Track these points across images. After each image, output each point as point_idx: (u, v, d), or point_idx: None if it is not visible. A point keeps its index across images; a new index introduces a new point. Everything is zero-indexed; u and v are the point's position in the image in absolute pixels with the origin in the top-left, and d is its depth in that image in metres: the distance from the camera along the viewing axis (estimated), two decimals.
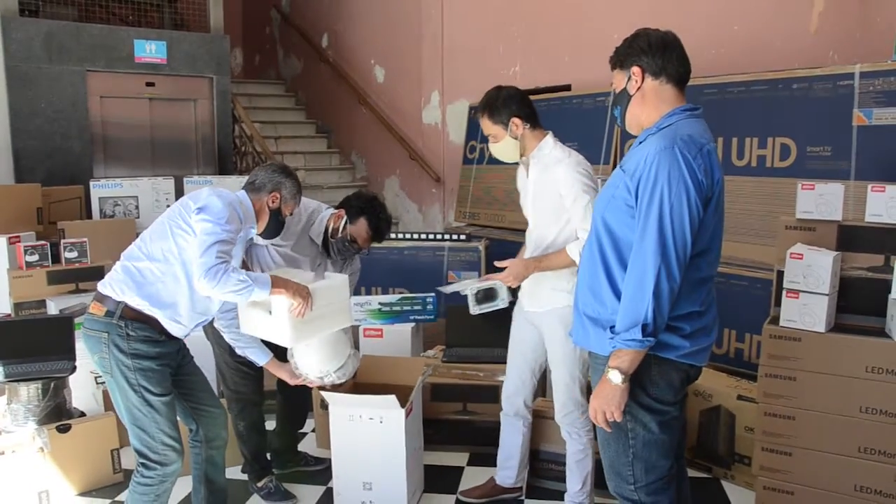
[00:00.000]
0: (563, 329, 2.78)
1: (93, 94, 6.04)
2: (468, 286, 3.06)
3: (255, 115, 7.84)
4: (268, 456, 3.37)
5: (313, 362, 2.82)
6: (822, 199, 2.84)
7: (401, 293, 4.77)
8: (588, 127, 4.99)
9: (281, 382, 3.41)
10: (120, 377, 2.45)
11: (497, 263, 2.88)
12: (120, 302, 2.45)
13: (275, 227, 2.76)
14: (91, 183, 5.42)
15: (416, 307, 4.40)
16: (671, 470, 2.08)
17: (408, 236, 5.14)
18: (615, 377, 1.91)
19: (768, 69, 3.88)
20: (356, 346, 4.32)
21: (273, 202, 2.69)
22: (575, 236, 2.75)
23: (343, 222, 3.10)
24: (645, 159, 1.88)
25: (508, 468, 3.22)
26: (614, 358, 1.92)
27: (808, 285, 2.72)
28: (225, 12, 6.88)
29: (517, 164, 2.96)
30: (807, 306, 2.72)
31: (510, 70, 6.12)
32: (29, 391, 3.47)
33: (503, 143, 2.88)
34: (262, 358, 2.89)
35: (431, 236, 5.09)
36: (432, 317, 4.42)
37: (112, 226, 5.24)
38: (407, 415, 2.97)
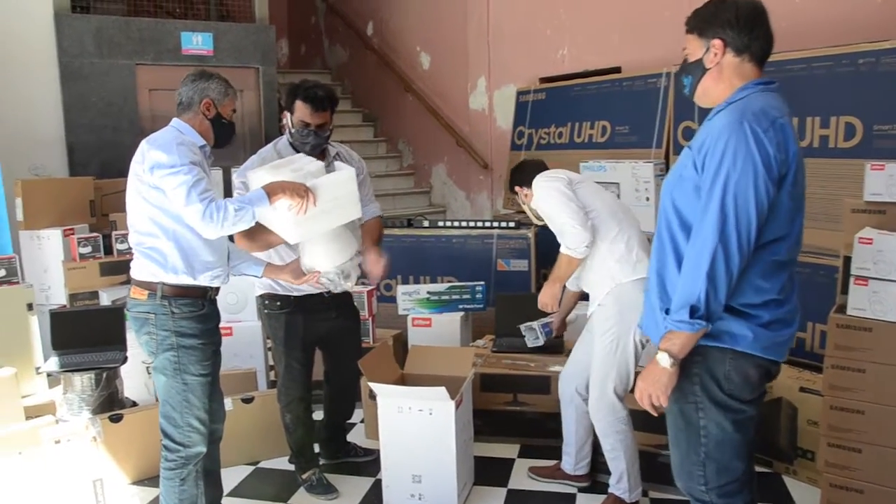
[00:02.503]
0: (602, 321, 2.89)
1: (142, 88, 6.10)
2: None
3: None
4: (315, 448, 3.35)
5: (322, 258, 2.74)
6: (892, 181, 2.68)
7: (449, 282, 4.72)
8: (639, 110, 4.86)
9: (328, 373, 3.40)
10: (162, 356, 2.48)
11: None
12: (157, 283, 2.46)
13: (222, 133, 2.62)
14: None
15: (464, 296, 4.35)
16: (746, 473, 1.94)
17: (456, 224, 5.07)
18: (663, 360, 1.81)
19: (831, 44, 3.69)
20: (406, 337, 4.30)
21: (208, 111, 2.55)
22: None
23: (287, 118, 3.01)
24: (711, 134, 1.78)
25: (566, 454, 3.22)
26: (665, 340, 1.82)
27: (879, 272, 2.56)
28: (270, 3, 6.87)
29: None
30: (877, 294, 2.57)
31: (558, 53, 5.99)
32: (83, 381, 3.53)
33: (526, 210, 3.27)
34: (257, 270, 2.81)
35: (480, 224, 5.02)
36: (481, 305, 4.36)
37: None
38: (457, 406, 2.91)
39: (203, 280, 2.51)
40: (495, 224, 4.95)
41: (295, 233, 2.56)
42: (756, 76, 1.87)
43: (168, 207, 2.41)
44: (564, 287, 3.18)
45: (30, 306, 4.08)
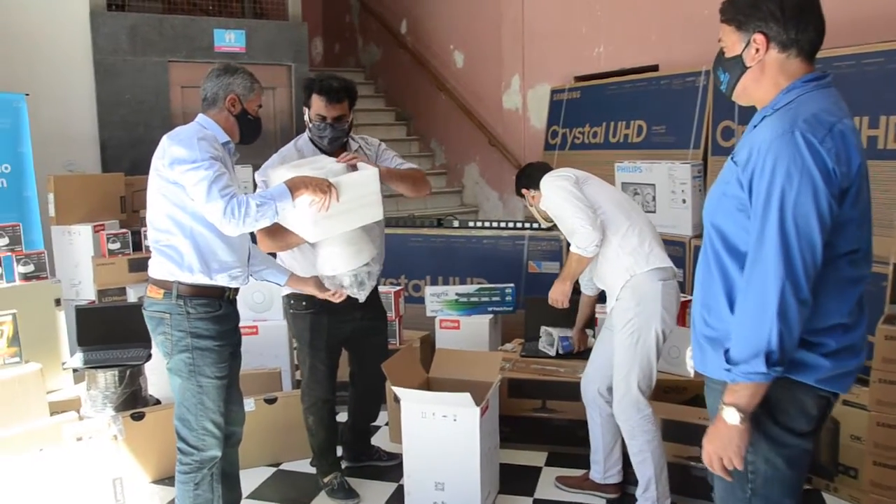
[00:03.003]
0: (621, 315, 2.82)
1: (174, 85, 6.12)
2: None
3: None
4: (338, 451, 3.29)
5: (337, 260, 2.66)
6: None
7: (479, 283, 4.63)
8: (677, 109, 4.73)
9: (354, 375, 3.33)
10: (177, 357, 2.44)
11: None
12: (173, 282, 2.42)
13: (249, 130, 2.58)
14: None
15: (494, 298, 4.26)
16: None
17: (486, 224, 4.99)
18: (732, 416, 1.55)
19: (882, 39, 3.52)
20: (433, 338, 4.22)
21: (233, 107, 2.50)
22: None
23: (306, 113, 2.95)
24: (758, 149, 1.53)
25: (595, 462, 3.12)
26: (730, 392, 1.56)
27: None
28: (305, 1, 6.87)
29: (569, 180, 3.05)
30: None
31: (594, 51, 5.86)
32: (106, 378, 3.51)
33: (532, 212, 3.34)
34: (280, 278, 2.78)
35: (511, 225, 4.92)
36: (511, 308, 4.26)
37: None
38: (482, 413, 2.82)
39: (220, 280, 2.46)
40: (527, 225, 4.85)
41: (314, 231, 2.49)
42: (805, 72, 1.61)
43: (186, 204, 2.36)
44: (580, 292, 3.24)
45: (57, 302, 4.08)
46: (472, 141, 7.27)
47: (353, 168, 2.68)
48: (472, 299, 4.23)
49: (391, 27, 8.51)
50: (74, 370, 3.96)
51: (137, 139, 5.94)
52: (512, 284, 4.30)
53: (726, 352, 1.57)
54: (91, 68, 5.79)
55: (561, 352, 3.64)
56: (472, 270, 4.87)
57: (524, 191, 3.23)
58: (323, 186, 2.42)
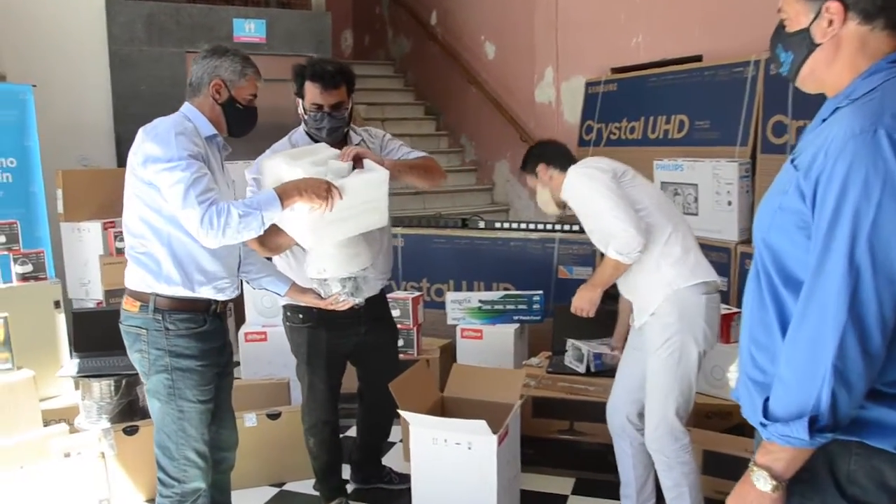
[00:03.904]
0: (660, 331, 2.47)
1: None
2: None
3: (364, 96, 7.53)
4: (342, 475, 3.02)
5: (328, 262, 2.39)
6: None
7: (505, 289, 4.34)
8: (722, 103, 4.37)
9: (361, 389, 3.06)
10: (155, 378, 2.18)
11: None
12: (150, 293, 2.16)
13: (238, 121, 2.28)
14: None
15: (520, 306, 3.97)
16: None
17: (514, 226, 4.68)
18: (763, 482, 1.25)
19: None
20: (454, 352, 3.93)
21: (218, 93, 2.22)
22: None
23: (299, 105, 2.66)
24: (826, 150, 1.21)
25: (626, 497, 2.79)
26: (764, 452, 1.26)
27: None
28: None
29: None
30: None
31: (632, 41, 5.50)
32: (101, 388, 3.32)
33: (540, 194, 2.83)
34: (281, 287, 2.51)
35: (541, 226, 4.61)
36: (539, 317, 3.96)
37: None
38: (500, 441, 2.52)
39: (204, 293, 2.19)
40: (557, 227, 4.53)
41: (311, 238, 2.24)
42: (892, 50, 1.27)
43: (162, 207, 2.10)
44: (613, 297, 2.85)
45: (57, 304, 3.88)
46: (503, 136, 6.96)
47: (358, 163, 2.39)
48: (497, 307, 3.94)
49: (421, 18, 8.24)
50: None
51: None
52: (540, 291, 4.00)
53: (766, 401, 1.27)
54: (106, 58, 5.59)
55: (592, 369, 3.31)
56: (498, 275, 4.57)
57: (542, 167, 2.74)
58: (320, 191, 2.13)
